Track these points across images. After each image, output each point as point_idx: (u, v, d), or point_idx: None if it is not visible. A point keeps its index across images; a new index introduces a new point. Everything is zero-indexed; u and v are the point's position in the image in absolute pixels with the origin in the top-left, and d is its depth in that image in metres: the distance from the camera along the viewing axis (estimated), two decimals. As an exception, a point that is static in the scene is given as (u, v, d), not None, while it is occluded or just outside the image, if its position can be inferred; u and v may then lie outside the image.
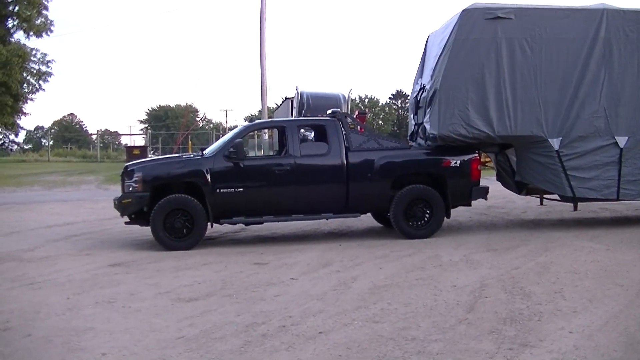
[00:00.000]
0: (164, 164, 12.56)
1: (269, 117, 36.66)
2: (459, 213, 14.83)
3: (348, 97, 22.01)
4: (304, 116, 19.54)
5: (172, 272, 9.61)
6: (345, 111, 19.80)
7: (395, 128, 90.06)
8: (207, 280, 8.93)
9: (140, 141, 74.06)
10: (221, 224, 12.25)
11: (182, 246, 11.51)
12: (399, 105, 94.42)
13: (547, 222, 14.50)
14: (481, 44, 12.55)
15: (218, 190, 11.62)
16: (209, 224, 11.79)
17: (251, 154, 27.80)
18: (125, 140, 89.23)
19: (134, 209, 11.78)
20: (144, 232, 12.77)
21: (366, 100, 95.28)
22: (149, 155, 45.00)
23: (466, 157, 12.72)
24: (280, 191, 11.94)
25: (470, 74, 12.55)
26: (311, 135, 13.67)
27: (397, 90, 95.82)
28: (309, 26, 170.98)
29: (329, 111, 13.37)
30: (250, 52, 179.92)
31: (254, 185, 11.90)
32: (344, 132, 12.43)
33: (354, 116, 15.30)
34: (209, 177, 11.61)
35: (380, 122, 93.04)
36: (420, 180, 12.61)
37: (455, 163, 12.58)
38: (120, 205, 11.85)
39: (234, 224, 12.38)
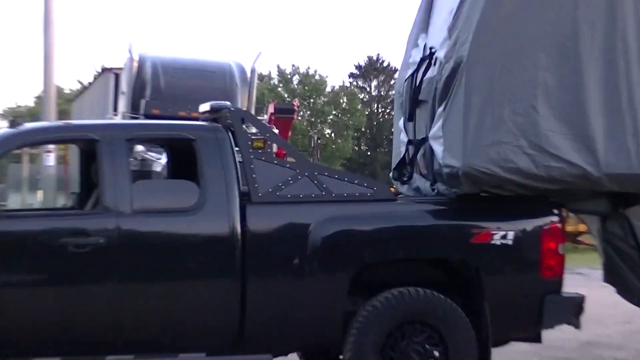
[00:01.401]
0: None
1: (60, 116, 30.55)
2: (512, 355, 11.53)
3: (252, 71, 18.33)
4: (147, 115, 16.06)
5: None
6: (246, 105, 16.73)
7: (363, 146, 79.52)
8: None
9: None
10: None
11: None
12: (372, 93, 75.35)
13: None
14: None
15: None
16: None
17: (13, 201, 25.18)
18: None
19: None
20: None
21: (295, 78, 69.12)
22: None
23: (529, 224, 9.73)
24: (82, 296, 9.16)
25: (542, 33, 9.77)
26: (160, 161, 11.92)
27: (369, 59, 73.27)
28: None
29: (204, 106, 10.25)
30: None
31: (16, 279, 9.10)
32: (238, 158, 9.48)
33: (267, 116, 11.74)
34: None
35: (327, 131, 71.95)
36: (418, 277, 9.58)
37: (504, 237, 9.57)
38: None
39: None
